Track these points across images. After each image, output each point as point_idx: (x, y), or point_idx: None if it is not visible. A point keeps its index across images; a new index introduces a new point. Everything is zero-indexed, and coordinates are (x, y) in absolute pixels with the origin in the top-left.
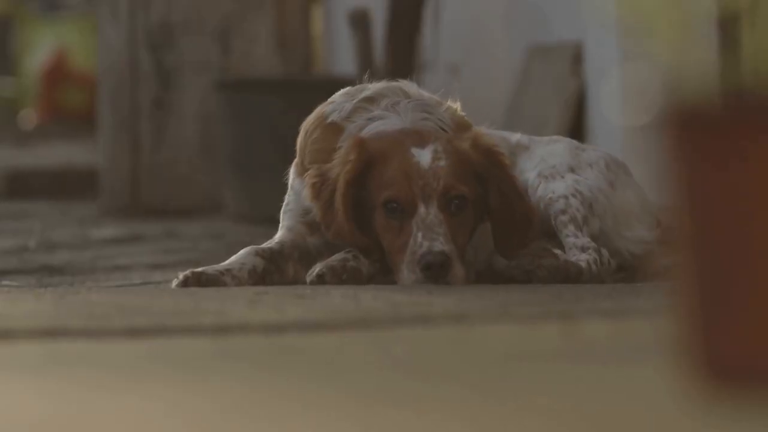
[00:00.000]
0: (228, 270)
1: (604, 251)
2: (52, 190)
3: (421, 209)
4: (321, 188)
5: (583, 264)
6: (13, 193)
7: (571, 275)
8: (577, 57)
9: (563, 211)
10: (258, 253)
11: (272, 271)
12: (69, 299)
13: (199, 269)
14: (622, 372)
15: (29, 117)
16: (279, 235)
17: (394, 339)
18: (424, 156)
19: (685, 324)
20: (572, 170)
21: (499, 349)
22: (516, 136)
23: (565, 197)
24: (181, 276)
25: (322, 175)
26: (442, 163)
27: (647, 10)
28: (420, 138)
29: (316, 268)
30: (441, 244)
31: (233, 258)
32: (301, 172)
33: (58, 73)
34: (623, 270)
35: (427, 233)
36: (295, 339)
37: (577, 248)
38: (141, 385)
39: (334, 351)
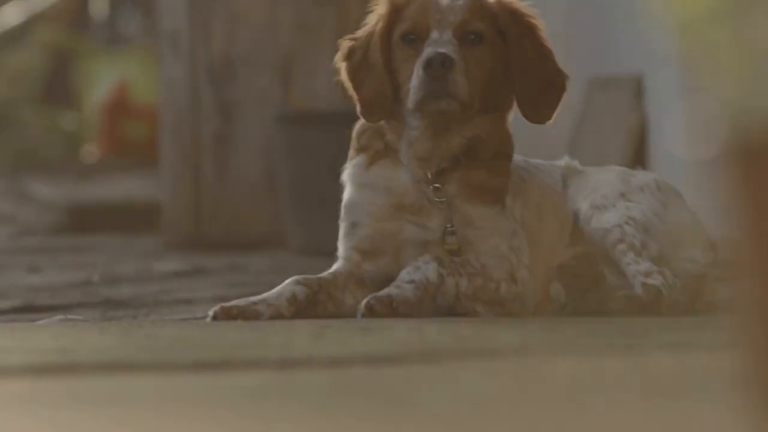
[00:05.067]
0: (263, 299)
1: (668, 272)
2: (115, 224)
3: (434, 34)
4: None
5: (660, 287)
6: (76, 227)
7: (648, 304)
8: (638, 89)
9: (620, 240)
10: (299, 282)
11: (324, 300)
12: (133, 333)
13: (229, 303)
14: (690, 406)
15: (91, 151)
16: (335, 266)
17: (460, 373)
18: None
19: (751, 358)
20: (623, 196)
21: (564, 383)
22: (564, 160)
23: (620, 226)
24: (210, 314)
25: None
26: (461, 2)
27: (710, 43)
28: None
29: (365, 301)
30: (445, 49)
31: (274, 289)
32: (353, 156)
33: (119, 107)
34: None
35: (436, 46)
36: (360, 373)
37: (641, 274)
38: (207, 418)
39: (400, 385)
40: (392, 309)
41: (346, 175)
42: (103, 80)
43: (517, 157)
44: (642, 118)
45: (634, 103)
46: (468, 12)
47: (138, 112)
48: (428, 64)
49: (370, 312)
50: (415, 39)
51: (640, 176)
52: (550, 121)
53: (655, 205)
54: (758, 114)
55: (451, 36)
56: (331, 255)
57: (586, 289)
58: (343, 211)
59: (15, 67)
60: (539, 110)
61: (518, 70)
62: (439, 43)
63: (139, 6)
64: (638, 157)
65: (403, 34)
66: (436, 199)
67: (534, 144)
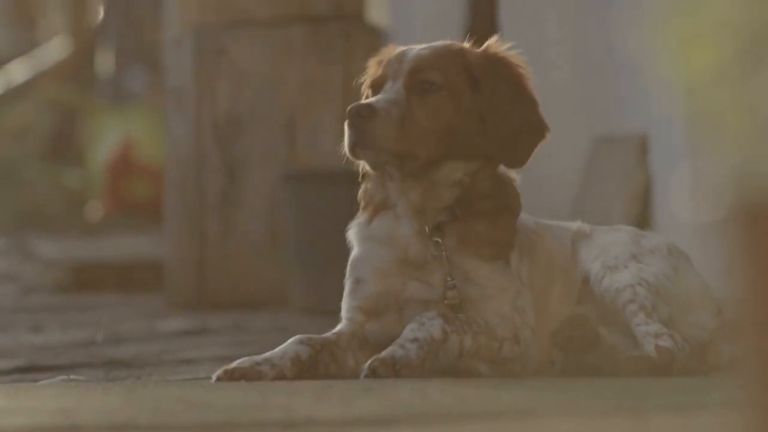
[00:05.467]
0: (267, 360)
1: (677, 335)
2: (119, 283)
3: (388, 84)
4: None
5: (673, 350)
6: (80, 286)
7: (660, 366)
8: (643, 148)
9: (631, 301)
10: (303, 342)
11: (327, 361)
12: (137, 393)
13: (232, 365)
14: None
15: (96, 209)
16: (338, 326)
17: None
18: (415, 48)
19: (757, 419)
20: (635, 258)
21: None
22: (576, 224)
23: (632, 286)
24: (214, 377)
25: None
26: (426, 52)
27: (714, 105)
28: None
29: (368, 363)
30: (374, 100)
31: (277, 348)
32: (359, 216)
33: (124, 165)
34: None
35: (383, 95)
36: None
37: (651, 335)
38: None
39: None
40: (395, 371)
41: (351, 234)
42: (108, 138)
43: (528, 218)
44: (647, 177)
45: (639, 161)
46: (422, 61)
47: (143, 169)
48: (348, 115)
49: (374, 374)
50: (376, 90)
51: (650, 239)
52: (525, 166)
53: (666, 269)
54: (763, 176)
55: (400, 86)
56: (334, 315)
57: (582, 351)
58: (348, 268)
59: (20, 124)
60: (511, 154)
61: (490, 117)
62: (388, 92)
63: (145, 63)
64: (643, 216)
65: (370, 86)
66: (434, 253)
67: (539, 202)
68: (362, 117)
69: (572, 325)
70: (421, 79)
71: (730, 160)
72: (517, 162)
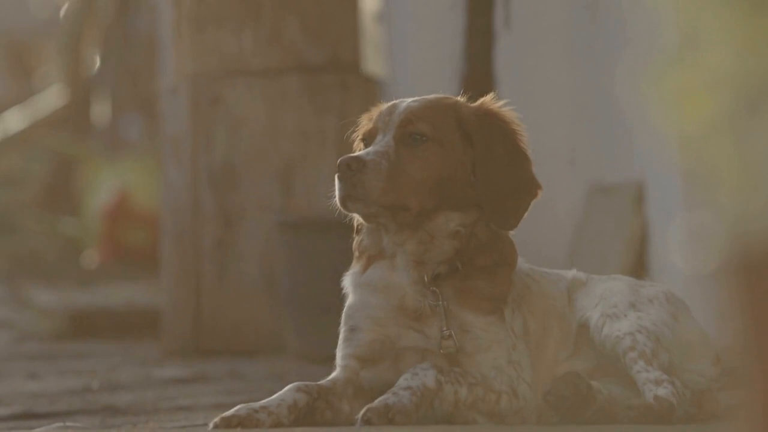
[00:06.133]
0: (264, 407)
1: (677, 382)
2: (115, 330)
3: (379, 137)
4: None
5: (672, 400)
6: (76, 333)
7: (660, 416)
8: (638, 197)
9: (631, 348)
10: (300, 389)
11: (323, 408)
12: None
13: (229, 412)
14: None
15: (92, 257)
16: (333, 374)
17: None
18: (406, 101)
19: None
20: (633, 306)
21: None
22: (572, 272)
23: (631, 334)
24: (211, 425)
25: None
26: (416, 104)
27: (711, 154)
28: None
29: (361, 414)
30: (364, 153)
31: (274, 395)
32: (353, 266)
33: (120, 213)
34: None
35: (373, 147)
36: None
37: (651, 382)
38: None
39: None
40: (389, 419)
41: (346, 282)
42: (104, 186)
43: (525, 265)
44: (643, 225)
45: (635, 210)
46: (412, 113)
47: (139, 218)
48: (338, 168)
49: (368, 424)
50: (367, 143)
51: (648, 288)
52: (513, 229)
53: (665, 317)
54: (757, 226)
55: (390, 138)
56: (330, 362)
57: (576, 409)
58: (343, 316)
59: (16, 172)
60: (502, 215)
61: (481, 173)
62: (378, 144)
63: (141, 112)
64: (639, 265)
65: (361, 139)
66: (432, 303)
67: (534, 251)
68: (352, 170)
69: (564, 384)
70: (411, 130)
71: (725, 210)
72: (509, 224)
